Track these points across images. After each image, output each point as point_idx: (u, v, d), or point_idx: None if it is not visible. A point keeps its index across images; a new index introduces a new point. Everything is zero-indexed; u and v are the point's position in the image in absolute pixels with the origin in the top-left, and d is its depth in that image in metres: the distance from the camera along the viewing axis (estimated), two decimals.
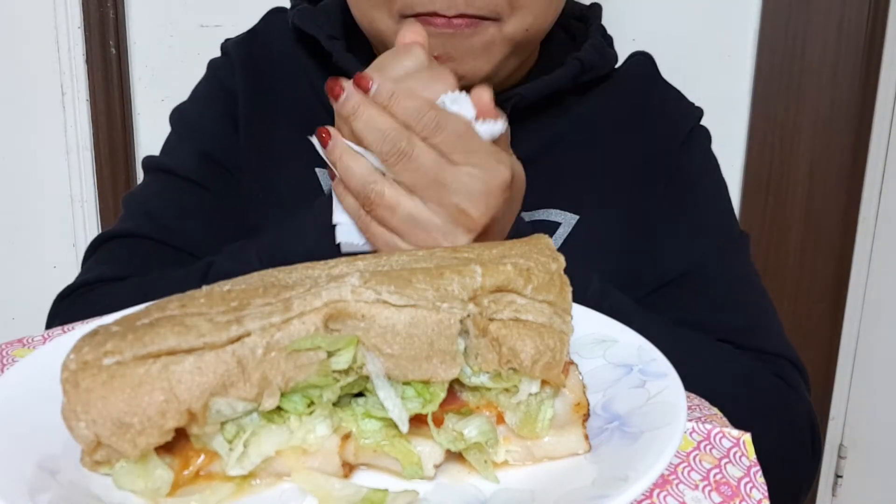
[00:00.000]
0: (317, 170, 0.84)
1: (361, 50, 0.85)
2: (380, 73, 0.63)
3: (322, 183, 0.84)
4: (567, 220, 0.83)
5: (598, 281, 0.71)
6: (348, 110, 0.61)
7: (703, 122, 0.92)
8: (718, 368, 0.74)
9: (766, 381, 0.77)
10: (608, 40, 0.90)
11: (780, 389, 0.77)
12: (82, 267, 0.85)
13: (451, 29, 0.73)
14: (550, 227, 0.82)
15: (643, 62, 0.92)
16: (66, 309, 0.80)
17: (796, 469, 0.78)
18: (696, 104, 0.93)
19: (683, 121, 0.89)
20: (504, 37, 0.76)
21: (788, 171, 1.40)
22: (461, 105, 0.62)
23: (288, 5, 0.92)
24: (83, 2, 1.40)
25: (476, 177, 0.61)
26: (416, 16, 0.74)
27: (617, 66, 0.91)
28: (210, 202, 0.85)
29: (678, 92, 0.93)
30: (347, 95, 0.61)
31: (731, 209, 0.89)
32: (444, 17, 0.73)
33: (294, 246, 0.68)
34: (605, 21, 0.92)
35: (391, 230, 0.63)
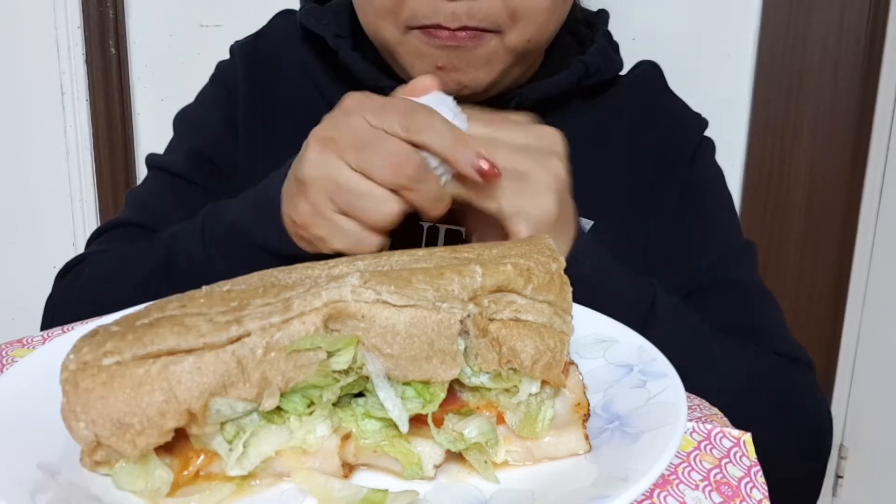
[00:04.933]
0: None
1: (368, 50, 0.86)
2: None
3: None
4: (581, 225, 0.83)
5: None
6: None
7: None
8: (760, 370, 0.76)
9: (795, 383, 0.78)
10: (614, 46, 0.91)
11: (808, 390, 0.79)
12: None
13: (455, 42, 0.74)
14: None
15: (650, 71, 0.93)
16: (62, 283, 0.84)
17: (816, 468, 0.81)
18: (697, 104, 0.93)
19: (691, 133, 0.90)
20: (506, 48, 0.77)
21: (789, 172, 1.40)
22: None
23: (291, 5, 0.93)
24: (83, 2, 1.40)
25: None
26: (421, 27, 0.75)
27: (623, 73, 0.91)
28: (200, 198, 0.86)
29: (684, 103, 0.94)
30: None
31: (738, 220, 0.91)
32: (447, 29, 0.74)
33: (233, 214, 0.70)
34: None
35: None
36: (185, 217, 0.85)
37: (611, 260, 0.71)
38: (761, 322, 0.82)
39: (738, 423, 0.52)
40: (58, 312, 0.83)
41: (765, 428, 0.69)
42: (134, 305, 0.63)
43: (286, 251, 0.65)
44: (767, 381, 0.76)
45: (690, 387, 0.68)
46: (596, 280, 0.66)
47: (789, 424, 0.76)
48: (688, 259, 0.84)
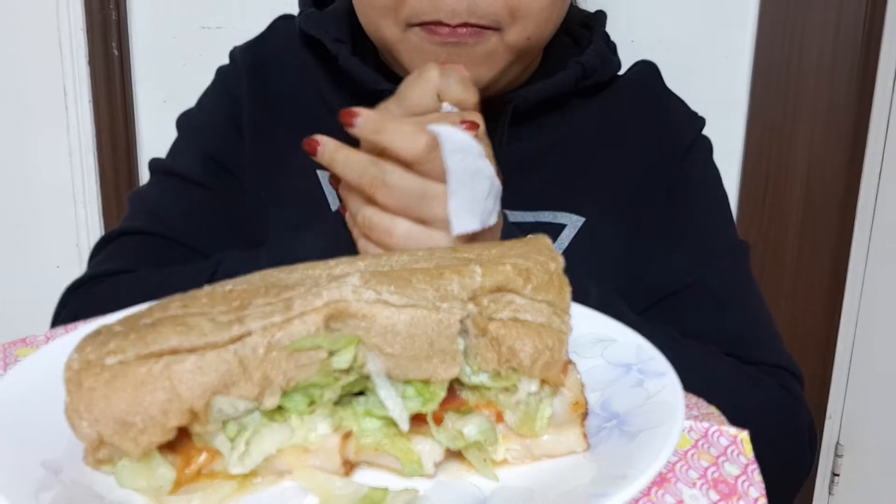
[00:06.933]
0: (318, 172, 0.85)
1: (367, 54, 0.86)
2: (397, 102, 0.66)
3: (324, 185, 0.85)
4: (573, 223, 0.83)
5: (597, 290, 0.71)
6: (367, 133, 0.63)
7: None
8: (721, 379, 0.74)
9: (769, 393, 0.77)
10: (611, 47, 0.91)
11: (783, 400, 0.78)
12: (89, 263, 0.87)
13: (456, 38, 0.75)
14: (556, 229, 0.83)
15: (647, 71, 0.93)
16: (75, 300, 0.81)
17: (793, 477, 0.80)
18: (695, 106, 0.93)
19: (685, 131, 0.90)
20: (506, 45, 0.77)
21: (785, 172, 1.41)
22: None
23: (292, 9, 0.93)
24: (85, 4, 1.40)
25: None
26: (422, 24, 0.75)
27: (621, 73, 0.91)
28: (214, 203, 0.86)
29: (681, 101, 0.94)
30: (364, 120, 0.63)
31: (731, 220, 0.90)
32: (448, 25, 0.74)
33: (305, 254, 0.69)
34: None
35: (392, 213, 0.63)
36: (199, 223, 0.85)
37: None
38: (740, 329, 0.81)
39: None
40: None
41: None
42: None
43: None
44: (722, 388, 0.74)
45: None
46: None
47: (761, 435, 0.74)
48: (668, 259, 0.84)
